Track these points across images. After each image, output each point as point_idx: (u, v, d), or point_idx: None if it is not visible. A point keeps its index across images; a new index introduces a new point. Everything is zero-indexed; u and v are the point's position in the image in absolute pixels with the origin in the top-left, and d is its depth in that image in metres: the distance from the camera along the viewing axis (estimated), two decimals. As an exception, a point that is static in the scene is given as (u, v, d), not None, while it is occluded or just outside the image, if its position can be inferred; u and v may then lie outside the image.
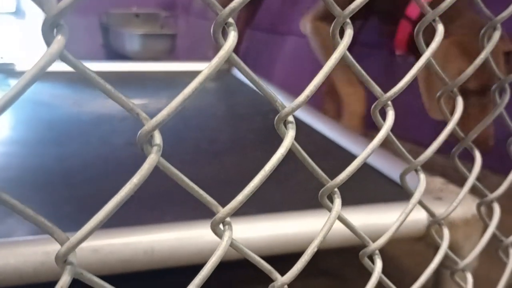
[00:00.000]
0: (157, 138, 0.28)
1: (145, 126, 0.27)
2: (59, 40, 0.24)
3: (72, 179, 0.98)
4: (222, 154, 1.20)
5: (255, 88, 0.33)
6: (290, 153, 0.35)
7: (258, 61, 2.71)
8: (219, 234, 0.32)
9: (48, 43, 0.24)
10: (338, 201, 0.36)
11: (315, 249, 0.35)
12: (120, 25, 2.57)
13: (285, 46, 2.57)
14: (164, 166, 0.29)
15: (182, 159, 1.10)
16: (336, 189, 0.36)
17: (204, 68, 0.28)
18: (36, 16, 2.74)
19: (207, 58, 2.23)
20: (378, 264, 0.40)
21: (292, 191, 0.95)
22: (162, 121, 0.27)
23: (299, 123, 1.35)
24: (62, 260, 0.27)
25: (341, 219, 0.37)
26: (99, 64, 1.92)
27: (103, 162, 1.07)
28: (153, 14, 2.66)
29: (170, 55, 2.46)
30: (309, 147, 1.30)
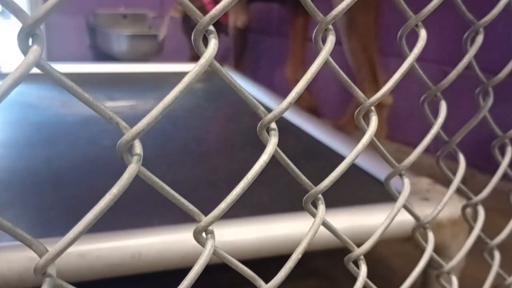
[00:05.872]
0: (137, 148, 0.28)
1: (124, 135, 0.27)
2: (34, 50, 0.23)
3: (60, 180, 0.97)
4: (210, 154, 1.20)
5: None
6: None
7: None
8: (202, 243, 0.32)
9: (24, 52, 0.24)
10: (322, 207, 0.36)
11: (300, 256, 0.35)
12: (108, 26, 2.55)
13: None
14: (145, 175, 0.29)
15: (171, 159, 1.10)
16: (320, 196, 0.36)
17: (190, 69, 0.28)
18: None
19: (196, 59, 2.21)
20: (363, 269, 0.40)
21: (280, 193, 0.95)
22: (142, 131, 0.27)
23: (288, 125, 1.35)
24: (41, 272, 0.27)
25: (325, 225, 0.37)
26: (86, 65, 1.91)
27: (91, 163, 1.06)
28: (140, 15, 2.65)
29: (158, 56, 2.45)
30: (297, 148, 1.30)
